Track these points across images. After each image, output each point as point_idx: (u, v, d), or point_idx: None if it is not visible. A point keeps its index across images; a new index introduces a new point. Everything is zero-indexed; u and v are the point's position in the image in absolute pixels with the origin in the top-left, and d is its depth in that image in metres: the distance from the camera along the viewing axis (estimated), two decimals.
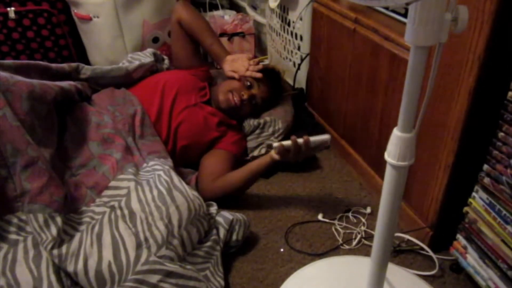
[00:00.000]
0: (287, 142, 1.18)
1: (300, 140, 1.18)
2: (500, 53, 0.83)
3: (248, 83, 1.49)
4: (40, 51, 1.86)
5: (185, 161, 1.44)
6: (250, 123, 1.56)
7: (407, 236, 1.14)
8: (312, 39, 1.60)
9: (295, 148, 1.18)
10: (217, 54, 1.57)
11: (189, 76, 1.55)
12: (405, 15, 1.15)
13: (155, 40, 1.86)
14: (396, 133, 0.65)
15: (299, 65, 1.69)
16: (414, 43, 0.55)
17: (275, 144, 1.20)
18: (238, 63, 1.53)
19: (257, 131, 1.58)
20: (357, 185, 1.42)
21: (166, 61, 1.63)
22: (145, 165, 1.17)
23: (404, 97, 0.61)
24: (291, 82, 1.77)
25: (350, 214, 1.28)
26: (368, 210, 1.30)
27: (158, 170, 1.13)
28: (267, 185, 1.43)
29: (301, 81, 1.71)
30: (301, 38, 1.66)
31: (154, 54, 1.60)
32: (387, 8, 1.23)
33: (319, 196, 1.37)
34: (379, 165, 1.32)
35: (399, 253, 1.13)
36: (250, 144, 1.55)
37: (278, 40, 1.86)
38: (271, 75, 1.56)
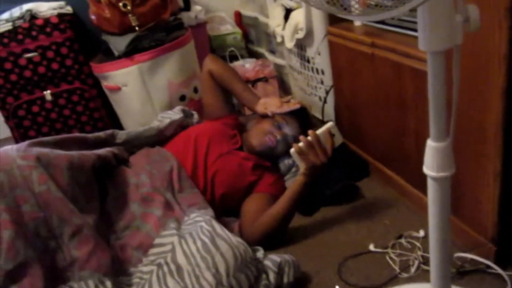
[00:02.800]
0: (299, 144, 1.25)
1: (308, 138, 1.25)
2: None
3: (278, 125, 1.49)
4: (77, 126, 1.96)
5: (226, 208, 1.44)
6: (285, 162, 1.57)
7: (469, 255, 1.07)
8: (333, 70, 1.62)
9: (307, 145, 1.24)
10: (249, 99, 1.62)
11: (220, 125, 1.58)
12: None
13: (182, 98, 1.92)
14: (431, 144, 0.63)
15: (325, 98, 1.69)
16: (429, 49, 0.54)
17: (292, 150, 1.25)
18: (270, 103, 1.57)
19: (293, 169, 1.57)
20: (404, 209, 1.36)
21: (195, 116, 1.68)
22: (186, 218, 1.18)
23: (431, 105, 0.59)
24: (319, 116, 1.77)
25: (403, 240, 1.22)
26: (422, 233, 1.24)
27: (199, 221, 1.14)
28: (311, 222, 1.40)
29: (329, 113, 1.72)
30: (323, 72, 1.67)
31: (183, 111, 1.65)
32: (401, 27, 1.23)
33: (366, 225, 1.33)
34: (423, 184, 1.27)
35: (464, 274, 1.06)
36: (288, 184, 1.53)
37: (300, 78, 1.88)
38: (299, 112, 1.57)
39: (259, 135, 1.50)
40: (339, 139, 1.31)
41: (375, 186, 1.51)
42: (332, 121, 1.28)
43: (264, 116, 1.55)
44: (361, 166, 1.57)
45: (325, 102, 1.70)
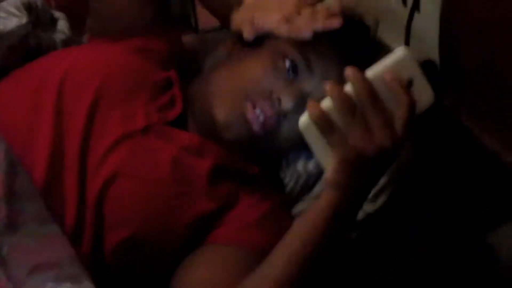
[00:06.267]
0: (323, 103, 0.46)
1: (347, 86, 0.46)
2: None
3: (288, 68, 0.61)
4: None
5: (132, 278, 0.63)
6: (298, 168, 0.66)
7: None
8: None
9: (343, 105, 0.45)
10: None
11: (129, 57, 0.68)
12: None
13: None
14: None
15: None
16: None
17: (301, 121, 0.47)
18: (273, 6, 0.64)
19: (319, 187, 0.66)
20: None
21: (62, 24, 0.71)
22: None
23: None
24: (396, 41, 0.73)
25: None
26: None
27: None
28: None
29: (425, 41, 0.70)
30: None
31: (29, 6, 0.67)
32: None
33: None
34: None
35: None
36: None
37: None
38: (349, 35, 0.64)
39: (234, 97, 0.62)
40: (427, 96, 0.49)
41: None
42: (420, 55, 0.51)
43: (254, 40, 0.63)
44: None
45: (415, 8, 0.68)
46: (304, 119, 0.46)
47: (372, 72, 0.47)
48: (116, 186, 0.59)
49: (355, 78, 0.46)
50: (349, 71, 0.46)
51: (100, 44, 0.69)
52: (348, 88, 0.46)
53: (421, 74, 0.48)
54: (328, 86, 0.46)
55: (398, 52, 0.47)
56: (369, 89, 0.46)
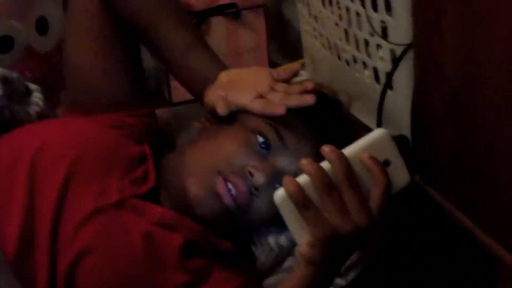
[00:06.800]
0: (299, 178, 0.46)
1: (323, 163, 0.46)
2: None
3: (260, 144, 0.61)
4: None
5: None
6: (270, 242, 0.66)
7: None
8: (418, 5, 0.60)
9: (319, 182, 0.45)
10: (199, 69, 0.69)
11: (103, 132, 0.69)
12: None
13: (6, 42, 0.88)
14: None
15: (390, 75, 0.67)
16: None
17: (276, 195, 0.47)
18: (246, 84, 0.65)
19: (289, 261, 0.67)
20: None
21: (37, 96, 0.71)
22: None
23: None
24: (372, 124, 0.74)
25: None
26: None
27: None
28: None
29: (398, 118, 0.70)
30: (388, 7, 0.65)
31: (5, 79, 0.67)
32: None
33: None
34: None
35: None
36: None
37: (329, 15, 0.81)
38: (322, 112, 0.66)
39: (207, 172, 0.61)
40: (403, 177, 0.51)
41: None
42: (392, 131, 0.49)
43: (227, 117, 0.64)
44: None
45: (388, 87, 0.69)
46: (280, 193, 0.46)
47: (349, 150, 0.47)
48: (87, 261, 0.58)
49: (333, 156, 0.45)
50: (327, 149, 0.46)
51: (75, 119, 0.68)
52: (325, 165, 0.46)
53: (398, 155, 0.49)
54: (304, 163, 0.46)
55: (376, 132, 0.48)
56: (347, 168, 0.45)
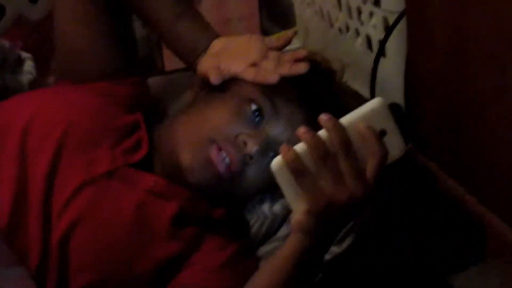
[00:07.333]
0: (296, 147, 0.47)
1: (320, 132, 0.46)
2: None
3: (252, 113, 0.61)
4: None
5: None
6: (264, 210, 0.66)
7: None
8: None
9: (315, 152, 0.45)
10: (191, 37, 0.68)
11: (95, 101, 0.67)
12: None
13: None
14: None
15: (383, 43, 0.69)
16: None
17: (273, 164, 0.47)
18: (239, 52, 0.64)
19: (284, 229, 0.66)
20: None
21: (30, 65, 0.70)
22: None
23: None
24: (365, 92, 0.75)
25: None
26: None
27: None
28: None
29: (391, 86, 0.71)
30: None
31: None
32: None
33: None
34: None
35: None
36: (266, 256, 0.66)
37: None
38: (315, 80, 0.65)
39: (200, 140, 0.61)
40: (399, 147, 0.50)
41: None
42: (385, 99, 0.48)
43: (220, 85, 0.62)
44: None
45: (381, 54, 0.70)
46: (277, 161, 0.46)
47: (346, 119, 0.47)
48: (78, 231, 0.58)
49: (330, 124, 0.45)
50: (324, 117, 0.46)
51: (66, 88, 0.68)
52: (322, 133, 0.46)
53: (394, 126, 0.49)
54: (301, 131, 0.46)
55: (373, 102, 0.48)
56: (343, 137, 0.45)
